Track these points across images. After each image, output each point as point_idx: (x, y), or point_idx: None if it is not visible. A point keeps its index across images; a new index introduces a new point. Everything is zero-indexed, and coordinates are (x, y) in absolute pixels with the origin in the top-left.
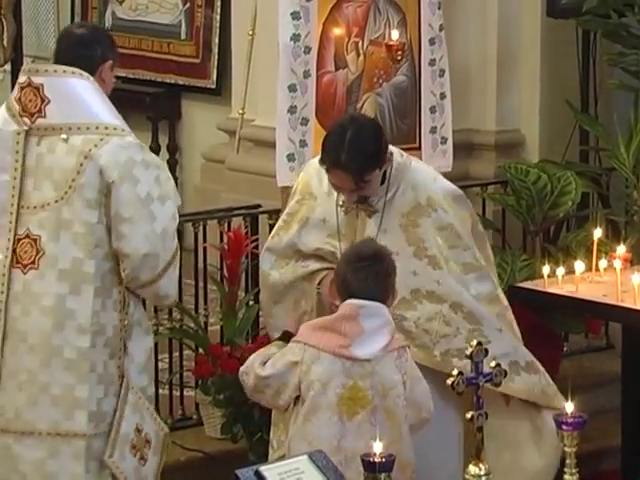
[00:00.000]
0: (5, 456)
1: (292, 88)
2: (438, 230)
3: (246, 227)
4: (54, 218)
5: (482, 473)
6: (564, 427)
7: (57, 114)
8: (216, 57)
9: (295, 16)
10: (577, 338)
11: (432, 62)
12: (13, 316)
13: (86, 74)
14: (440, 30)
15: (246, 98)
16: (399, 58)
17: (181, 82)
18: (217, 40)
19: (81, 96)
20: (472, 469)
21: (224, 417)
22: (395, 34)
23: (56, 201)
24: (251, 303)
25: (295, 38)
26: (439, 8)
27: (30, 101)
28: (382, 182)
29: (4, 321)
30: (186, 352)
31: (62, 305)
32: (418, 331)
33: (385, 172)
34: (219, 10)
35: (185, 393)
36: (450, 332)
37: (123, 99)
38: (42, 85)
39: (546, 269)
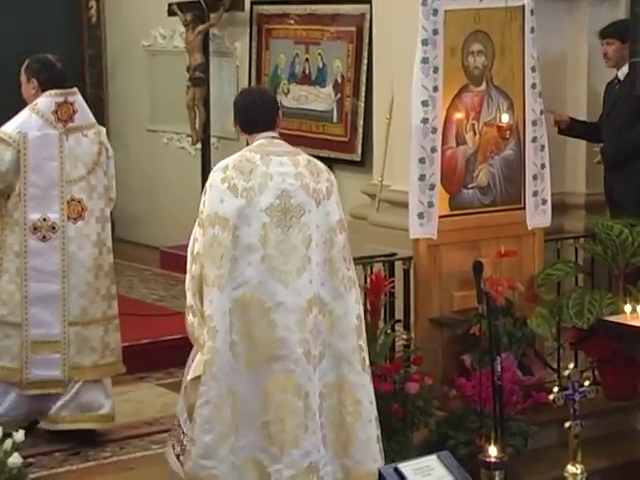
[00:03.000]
0: (78, 339)
1: (422, 161)
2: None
3: (385, 271)
4: (87, 185)
5: (578, 472)
6: None
7: (80, 119)
8: (361, 136)
9: (424, 104)
10: None
11: (534, 139)
12: (71, 251)
13: None
14: (541, 114)
15: (384, 168)
16: (507, 137)
17: (333, 156)
18: (362, 122)
19: (85, 105)
20: (570, 469)
21: None
22: (505, 117)
23: (87, 174)
24: (389, 332)
25: (424, 121)
26: (540, 96)
27: (65, 112)
28: None
29: (62, 253)
30: None
31: (100, 238)
32: None
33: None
34: (363, 99)
35: None
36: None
37: None
38: (74, 101)
39: (628, 307)
